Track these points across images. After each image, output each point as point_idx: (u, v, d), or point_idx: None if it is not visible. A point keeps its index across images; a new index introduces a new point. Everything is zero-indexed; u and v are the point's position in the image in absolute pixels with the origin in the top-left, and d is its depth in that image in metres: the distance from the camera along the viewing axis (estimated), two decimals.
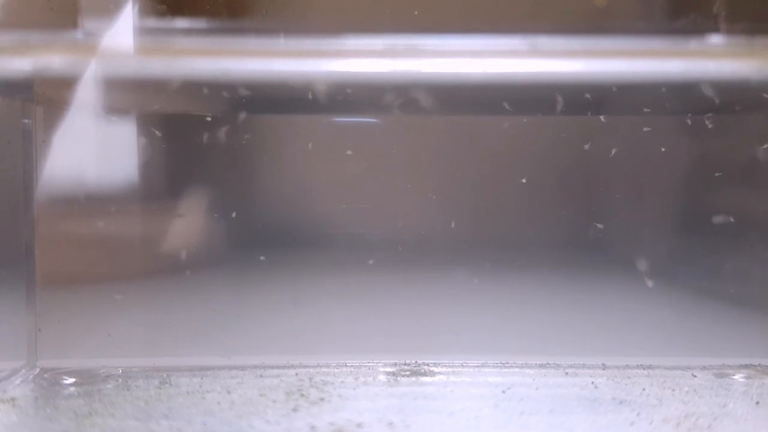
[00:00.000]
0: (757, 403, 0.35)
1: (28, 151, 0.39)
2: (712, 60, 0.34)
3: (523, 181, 0.40)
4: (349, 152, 0.41)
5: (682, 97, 0.37)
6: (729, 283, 0.41)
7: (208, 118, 0.39)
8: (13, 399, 0.35)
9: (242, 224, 0.41)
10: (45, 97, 0.39)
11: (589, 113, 0.40)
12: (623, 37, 0.33)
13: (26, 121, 0.39)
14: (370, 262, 0.41)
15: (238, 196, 0.42)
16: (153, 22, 0.37)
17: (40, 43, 0.34)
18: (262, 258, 0.40)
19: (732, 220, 0.41)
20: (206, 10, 0.38)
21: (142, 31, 0.36)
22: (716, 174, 0.40)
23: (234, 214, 0.41)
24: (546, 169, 0.42)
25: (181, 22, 0.37)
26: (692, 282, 0.41)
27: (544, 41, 0.32)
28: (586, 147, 0.41)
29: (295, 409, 0.33)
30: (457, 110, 0.41)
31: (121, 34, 0.36)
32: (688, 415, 0.33)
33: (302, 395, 0.35)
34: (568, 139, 0.41)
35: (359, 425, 0.31)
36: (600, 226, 0.41)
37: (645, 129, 0.41)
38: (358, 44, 0.35)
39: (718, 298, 0.41)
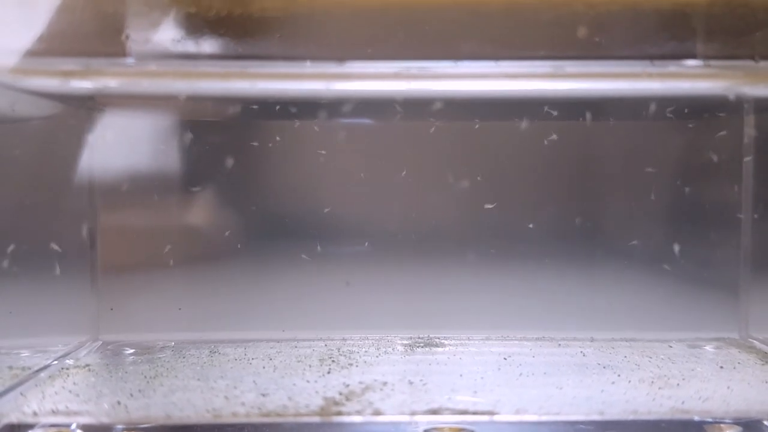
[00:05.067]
0: (721, 367, 0.40)
1: (91, 151, 0.45)
2: (689, 81, 0.40)
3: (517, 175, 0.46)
4: (372, 151, 0.46)
5: (660, 107, 0.43)
6: (705, 269, 0.47)
7: (261, 124, 0.46)
8: (87, 365, 0.41)
9: (268, 216, 0.47)
10: (106, 107, 0.45)
11: (582, 119, 0.46)
12: (608, 62, 0.40)
13: (90, 126, 0.45)
14: (385, 251, 0.47)
15: (272, 192, 0.48)
16: (192, 46, 0.42)
17: (100, 68, 0.40)
18: (319, 248, 0.46)
19: (703, 211, 0.46)
20: (245, 32, 0.43)
21: (182, 56, 0.42)
22: (688, 169, 0.46)
23: (259, 208, 0.47)
24: (540, 169, 0.47)
25: (211, 46, 0.42)
26: (673, 267, 0.47)
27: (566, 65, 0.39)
28: (575, 148, 0.47)
29: (329, 372, 0.39)
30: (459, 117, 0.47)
31: (164, 59, 0.42)
32: (661, 377, 0.38)
33: (333, 361, 0.41)
34: (561, 141, 0.46)
35: (384, 383, 0.37)
36: (588, 219, 0.47)
37: (626, 133, 0.47)
38: (373, 67, 0.41)
39: (695, 282, 0.47)
